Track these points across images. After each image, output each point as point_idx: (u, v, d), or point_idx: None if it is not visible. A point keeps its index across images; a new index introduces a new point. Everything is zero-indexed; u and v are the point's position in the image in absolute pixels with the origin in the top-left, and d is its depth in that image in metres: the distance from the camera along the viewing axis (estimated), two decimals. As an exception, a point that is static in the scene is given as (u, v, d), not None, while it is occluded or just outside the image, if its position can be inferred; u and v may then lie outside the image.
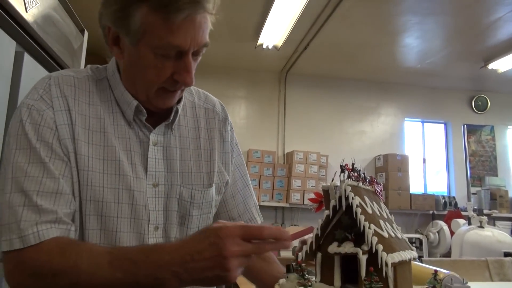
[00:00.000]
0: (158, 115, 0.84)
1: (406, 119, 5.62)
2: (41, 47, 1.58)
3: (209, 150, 0.92)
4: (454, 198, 5.15)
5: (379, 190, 0.70)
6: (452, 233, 3.57)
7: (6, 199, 0.68)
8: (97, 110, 0.80)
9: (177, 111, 0.86)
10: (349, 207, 0.59)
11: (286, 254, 2.15)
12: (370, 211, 0.60)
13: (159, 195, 0.82)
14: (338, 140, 5.31)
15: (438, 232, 4.45)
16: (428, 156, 5.68)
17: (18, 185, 0.68)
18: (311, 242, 0.61)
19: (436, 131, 5.79)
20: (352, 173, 0.63)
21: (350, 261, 0.58)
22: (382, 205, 0.70)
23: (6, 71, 1.30)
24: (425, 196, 5.10)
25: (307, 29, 4.01)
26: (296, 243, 2.37)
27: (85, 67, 0.87)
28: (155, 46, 0.72)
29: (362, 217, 0.57)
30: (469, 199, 4.17)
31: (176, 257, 0.62)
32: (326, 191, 0.67)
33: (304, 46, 4.38)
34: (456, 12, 3.62)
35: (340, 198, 0.60)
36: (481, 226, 2.93)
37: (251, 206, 1.01)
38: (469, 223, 3.11)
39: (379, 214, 0.63)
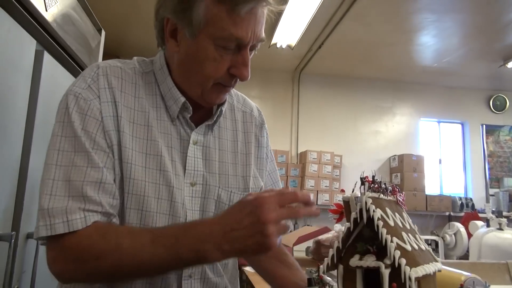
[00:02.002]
0: (200, 114, 0.84)
1: (421, 119, 5.54)
2: (60, 45, 1.60)
3: (245, 154, 0.91)
4: (471, 199, 5.05)
5: (401, 200, 0.69)
6: (469, 235, 3.50)
7: (50, 184, 0.68)
8: (142, 103, 0.79)
9: (221, 112, 0.86)
10: (371, 219, 0.58)
11: (299, 254, 2.14)
12: (392, 223, 0.59)
13: (196, 195, 0.81)
14: (352, 140, 5.27)
15: (454, 234, 4.36)
16: (444, 156, 5.59)
17: (64, 173, 0.68)
18: (332, 255, 0.60)
19: (452, 131, 5.69)
20: (372, 185, 0.61)
21: (372, 274, 0.56)
22: (405, 215, 0.68)
23: (27, 69, 1.32)
24: (441, 198, 5.02)
25: (322, 28, 3.98)
26: (310, 243, 2.36)
27: (131, 59, 0.86)
28: (216, 37, 0.72)
29: (384, 230, 0.56)
30: (487, 201, 4.08)
31: (217, 229, 0.63)
32: (346, 202, 0.65)
33: (319, 45, 4.36)
34: (474, 10, 3.55)
35: (361, 210, 0.59)
36: (500, 229, 2.86)
37: None
38: (488, 225, 3.05)
39: (401, 226, 0.61)
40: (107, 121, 0.73)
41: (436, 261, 0.64)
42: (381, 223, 0.56)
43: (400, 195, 0.68)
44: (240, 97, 0.99)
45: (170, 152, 0.79)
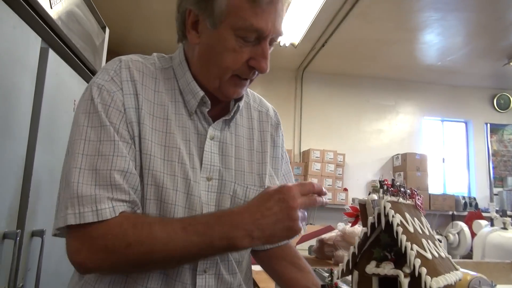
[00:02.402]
0: (217, 109, 0.85)
1: (425, 117, 5.52)
2: (65, 43, 1.60)
3: (261, 153, 0.92)
4: (474, 198, 5.03)
5: (419, 204, 0.67)
6: (473, 234, 3.48)
7: (77, 173, 0.67)
8: (162, 97, 0.80)
9: (238, 108, 0.87)
10: (389, 224, 0.55)
11: (302, 253, 2.14)
12: (411, 229, 0.56)
13: (212, 190, 0.81)
14: (355, 138, 5.25)
15: (458, 233, 4.35)
16: (448, 155, 5.57)
17: (90, 162, 0.68)
18: (348, 260, 0.58)
19: (456, 130, 5.67)
20: (391, 188, 0.59)
21: (388, 281, 0.54)
22: (423, 219, 0.66)
23: (32, 66, 1.32)
24: (444, 197, 5.00)
25: (325, 26, 3.97)
26: (313, 242, 2.35)
27: (150, 55, 0.88)
28: (237, 27, 0.73)
29: (404, 237, 0.53)
30: (491, 200, 4.06)
31: (247, 216, 0.66)
32: (363, 206, 0.63)
33: (322, 43, 4.34)
34: (479, 8, 3.53)
35: (379, 215, 0.56)
36: (504, 228, 2.84)
37: None
38: (492, 225, 3.03)
39: (421, 232, 0.59)
40: (129, 112, 0.74)
41: (457, 269, 0.62)
42: (400, 229, 0.54)
43: (418, 199, 0.67)
44: (256, 97, 1.00)
45: (187, 145, 0.79)
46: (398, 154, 5.17)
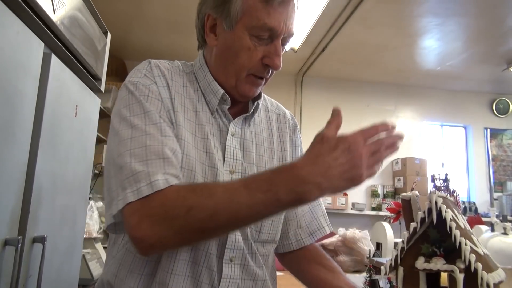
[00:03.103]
0: (237, 109, 0.89)
1: (424, 122, 5.53)
2: (67, 48, 1.60)
3: (281, 151, 0.96)
4: (474, 203, 5.03)
5: (458, 201, 0.66)
6: (473, 239, 3.48)
7: (127, 155, 0.69)
8: (189, 92, 0.86)
9: (257, 105, 0.91)
10: (439, 220, 0.54)
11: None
12: (462, 225, 0.55)
13: None
14: (355, 143, 5.25)
15: (458, 238, 4.35)
16: (447, 160, 5.57)
17: (139, 142, 0.70)
18: (396, 255, 0.57)
19: (455, 134, 5.67)
20: (443, 183, 0.59)
21: (433, 277, 0.53)
22: (460, 216, 0.64)
23: (35, 72, 1.31)
24: (444, 201, 4.99)
25: (326, 31, 3.98)
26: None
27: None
28: (252, 27, 0.79)
29: (458, 232, 0.52)
30: (491, 205, 4.05)
31: (314, 169, 0.63)
32: (407, 201, 0.62)
33: (322, 48, 4.35)
34: (478, 14, 3.54)
35: (429, 209, 0.55)
36: (505, 233, 2.84)
37: (319, 215, 1.01)
38: (492, 230, 3.03)
39: (469, 230, 0.58)
40: (166, 101, 0.79)
41: (497, 267, 0.61)
42: (453, 224, 0.53)
43: (457, 197, 0.66)
44: (273, 102, 1.06)
45: (212, 139, 0.83)
46: (398, 158, 5.17)
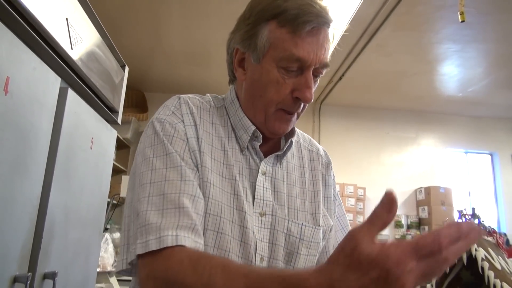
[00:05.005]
0: (268, 146, 0.86)
1: (448, 149, 5.37)
2: (84, 82, 1.62)
3: (313, 191, 0.90)
4: (505, 235, 4.76)
5: (501, 242, 0.59)
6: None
7: (145, 202, 0.68)
8: (218, 130, 0.83)
9: (291, 143, 0.87)
10: (471, 260, 0.48)
11: None
12: (499, 266, 0.48)
13: (265, 225, 0.79)
14: (376, 172, 5.13)
15: (489, 272, 4.10)
16: (474, 188, 5.35)
17: (158, 188, 0.69)
18: None
19: (481, 162, 5.47)
20: (472, 219, 0.52)
21: None
22: (510, 261, 0.57)
23: (50, 106, 1.32)
24: (472, 232, 4.76)
25: (342, 59, 3.98)
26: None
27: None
28: (279, 59, 0.75)
29: (491, 274, 0.46)
30: (525, 237, 3.82)
31: None
32: None
33: (339, 76, 4.34)
34: (498, 39, 3.48)
35: None
36: (542, 268, 2.67)
37: None
38: (528, 264, 2.84)
39: (509, 272, 0.51)
40: (191, 141, 0.76)
41: None
42: (486, 265, 0.47)
43: (500, 237, 0.59)
44: (306, 137, 1.02)
45: (241, 179, 0.79)
46: (421, 187, 5.00)
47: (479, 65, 4.02)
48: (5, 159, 1.09)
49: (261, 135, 0.83)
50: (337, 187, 4.31)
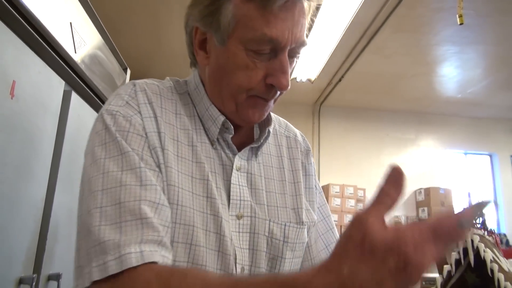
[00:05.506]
0: (240, 136, 0.74)
1: (447, 150, 5.39)
2: (87, 85, 1.64)
3: (294, 183, 0.78)
4: (505, 235, 4.78)
5: (498, 242, 0.59)
6: (506, 274, 3.29)
7: (97, 215, 0.54)
8: (184, 121, 0.69)
9: (268, 133, 0.75)
10: (478, 261, 0.46)
11: None
12: (506, 268, 0.47)
13: (243, 230, 0.68)
14: (376, 173, 5.13)
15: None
16: (473, 189, 5.36)
17: (112, 196, 0.56)
18: None
19: (480, 163, 5.49)
20: (476, 220, 0.52)
21: None
22: (510, 262, 0.56)
23: (54, 109, 1.34)
24: (472, 233, 4.77)
25: (342, 61, 4.00)
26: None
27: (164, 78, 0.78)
28: (247, 39, 0.63)
29: (501, 276, 0.44)
30: (524, 237, 3.84)
31: None
32: None
33: (339, 78, 4.36)
34: (497, 41, 3.50)
35: (465, 249, 0.47)
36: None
37: None
38: (527, 264, 2.86)
39: None
40: (151, 137, 0.63)
41: None
42: (495, 267, 0.45)
43: (496, 236, 0.59)
44: (281, 122, 0.89)
45: (214, 177, 0.67)
46: (421, 188, 5.02)
47: (478, 67, 4.04)
48: (11, 162, 1.11)
49: (232, 126, 0.70)
50: (337, 188, 4.29)
